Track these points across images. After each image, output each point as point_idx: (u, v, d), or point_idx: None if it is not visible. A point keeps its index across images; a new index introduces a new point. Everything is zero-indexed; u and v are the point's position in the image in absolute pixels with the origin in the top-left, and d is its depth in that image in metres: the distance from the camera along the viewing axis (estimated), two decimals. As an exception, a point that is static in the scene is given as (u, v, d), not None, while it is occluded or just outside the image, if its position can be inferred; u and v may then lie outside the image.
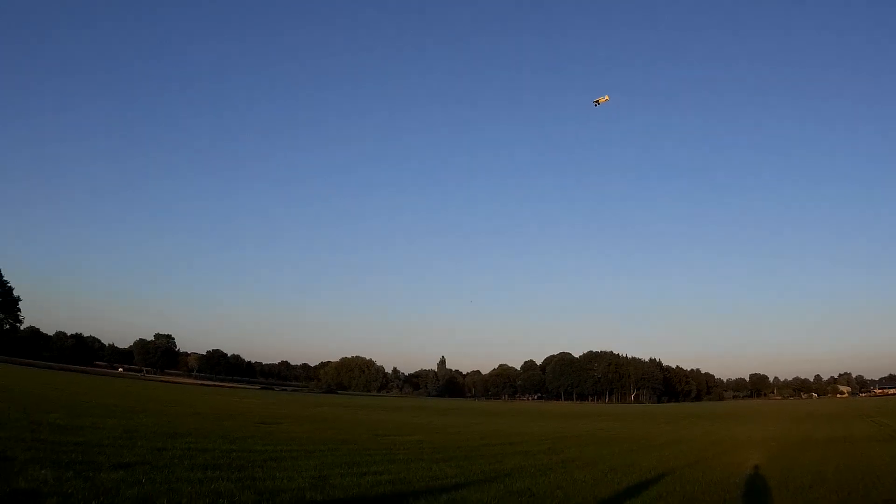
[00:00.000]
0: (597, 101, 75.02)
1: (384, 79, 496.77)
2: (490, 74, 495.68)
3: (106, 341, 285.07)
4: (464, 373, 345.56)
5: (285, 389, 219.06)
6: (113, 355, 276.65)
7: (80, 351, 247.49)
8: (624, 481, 20.76)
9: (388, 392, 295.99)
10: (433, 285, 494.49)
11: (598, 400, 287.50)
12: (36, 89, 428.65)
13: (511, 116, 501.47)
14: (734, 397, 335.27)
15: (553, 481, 20.09)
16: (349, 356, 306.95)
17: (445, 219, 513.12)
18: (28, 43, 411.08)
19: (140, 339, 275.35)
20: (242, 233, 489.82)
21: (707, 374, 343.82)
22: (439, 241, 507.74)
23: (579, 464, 25.92)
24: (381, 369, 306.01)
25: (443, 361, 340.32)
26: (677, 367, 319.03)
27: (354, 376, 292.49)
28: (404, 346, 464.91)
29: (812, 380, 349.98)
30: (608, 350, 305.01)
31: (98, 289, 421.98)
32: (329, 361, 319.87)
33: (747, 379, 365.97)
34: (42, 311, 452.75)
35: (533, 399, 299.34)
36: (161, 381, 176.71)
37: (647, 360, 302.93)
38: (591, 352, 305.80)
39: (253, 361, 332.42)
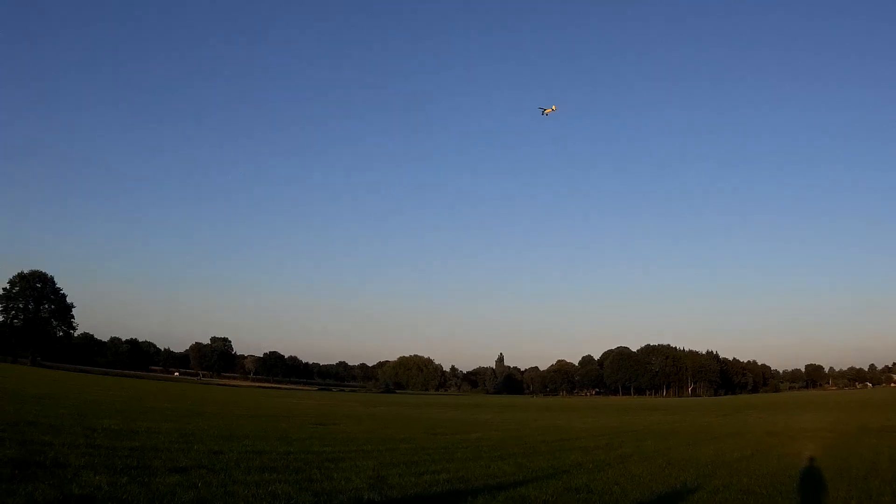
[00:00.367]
0: (543, 110, 75.49)
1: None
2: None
3: (161, 346, 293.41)
4: (522, 369, 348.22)
5: (343, 390, 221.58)
6: (168, 360, 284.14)
7: (135, 356, 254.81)
8: (681, 476, 20.97)
9: (446, 390, 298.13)
10: (490, 282, 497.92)
11: (655, 394, 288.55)
12: (86, 93, 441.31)
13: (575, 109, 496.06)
14: (790, 388, 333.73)
15: (611, 477, 20.27)
16: (407, 355, 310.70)
17: (503, 216, 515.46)
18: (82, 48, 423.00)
19: (196, 342, 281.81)
20: (299, 234, 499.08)
21: (763, 365, 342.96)
22: (495, 238, 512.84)
23: (637, 459, 26.14)
24: (439, 367, 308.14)
25: (501, 358, 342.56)
26: (734, 359, 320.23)
27: (412, 375, 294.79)
28: (462, 344, 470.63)
29: (867, 369, 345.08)
30: (665, 343, 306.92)
31: (153, 294, 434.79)
32: (387, 361, 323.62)
33: (803, 370, 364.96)
34: (97, 318, 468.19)
35: (591, 394, 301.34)
36: (217, 384, 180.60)
37: (703, 352, 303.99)
38: (648, 345, 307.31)
39: (310, 363, 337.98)
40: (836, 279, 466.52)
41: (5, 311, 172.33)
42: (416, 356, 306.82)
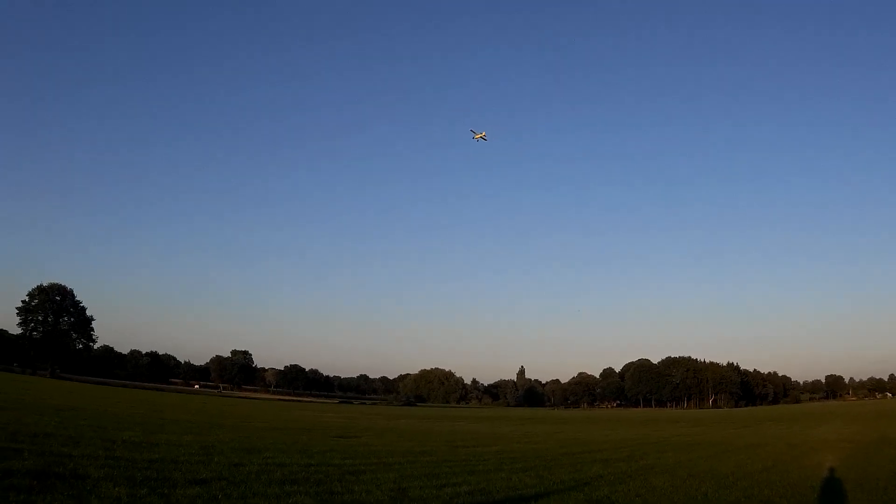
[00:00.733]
0: (475, 134, 76.42)
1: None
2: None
3: (181, 359, 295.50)
4: (543, 382, 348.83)
5: (364, 403, 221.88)
6: (189, 372, 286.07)
7: (155, 369, 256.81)
8: (702, 487, 21.22)
9: (467, 403, 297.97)
10: (511, 295, 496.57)
11: (676, 405, 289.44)
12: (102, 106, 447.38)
13: (595, 118, 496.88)
14: (810, 399, 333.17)
15: (632, 489, 20.57)
16: (428, 368, 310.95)
17: (525, 231, 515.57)
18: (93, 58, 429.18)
19: (216, 355, 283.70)
20: (321, 248, 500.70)
21: (784, 376, 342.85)
22: (518, 252, 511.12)
23: (658, 471, 26.43)
24: (460, 380, 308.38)
25: (522, 371, 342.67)
26: (755, 370, 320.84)
27: (434, 388, 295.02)
28: (483, 357, 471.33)
29: (886, 379, 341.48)
30: (686, 355, 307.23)
31: (173, 307, 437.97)
32: (408, 374, 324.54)
33: (823, 380, 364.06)
34: (117, 331, 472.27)
35: (612, 406, 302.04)
36: (238, 396, 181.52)
37: (724, 364, 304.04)
38: (669, 357, 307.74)
39: (331, 376, 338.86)
40: (855, 290, 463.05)
41: (24, 323, 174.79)
42: (437, 369, 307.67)
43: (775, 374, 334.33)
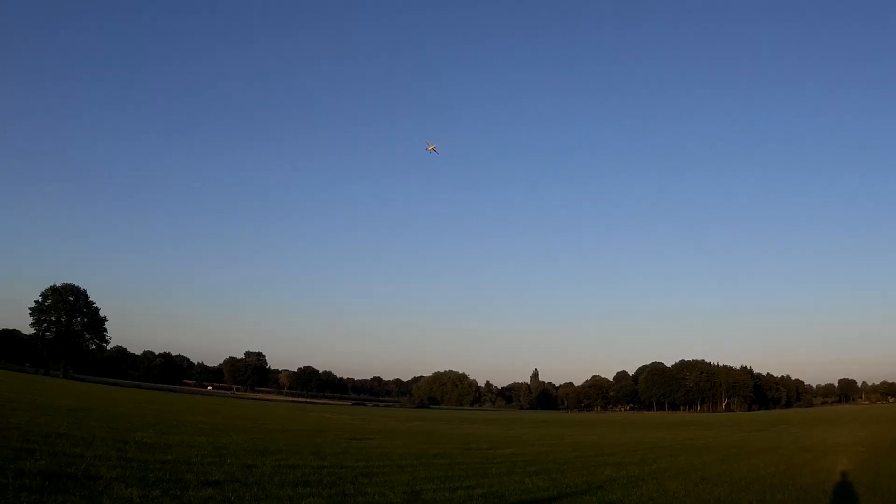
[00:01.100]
0: (429, 145, 78.03)
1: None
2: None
3: (195, 360, 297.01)
4: (557, 385, 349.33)
5: (377, 405, 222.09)
6: (202, 374, 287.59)
7: (168, 370, 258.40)
8: (715, 491, 21.32)
9: (481, 406, 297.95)
10: (525, 298, 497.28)
11: (689, 409, 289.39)
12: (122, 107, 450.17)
13: (602, 113, 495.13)
14: (823, 403, 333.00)
15: (645, 493, 20.66)
16: (442, 370, 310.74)
17: (538, 232, 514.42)
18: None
19: (230, 357, 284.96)
20: (335, 250, 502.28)
21: (797, 380, 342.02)
22: (531, 254, 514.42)
23: (671, 474, 26.53)
24: (473, 383, 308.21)
25: (536, 374, 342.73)
26: (768, 374, 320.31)
27: (447, 390, 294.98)
28: (497, 360, 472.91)
29: None
30: (699, 359, 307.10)
31: (187, 308, 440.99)
32: (421, 376, 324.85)
33: (836, 384, 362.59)
34: (130, 332, 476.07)
35: (625, 409, 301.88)
36: (251, 398, 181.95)
37: (738, 367, 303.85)
38: (682, 361, 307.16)
39: (345, 378, 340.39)
40: (869, 293, 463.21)
41: (37, 323, 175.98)
42: (450, 371, 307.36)
43: (788, 377, 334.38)
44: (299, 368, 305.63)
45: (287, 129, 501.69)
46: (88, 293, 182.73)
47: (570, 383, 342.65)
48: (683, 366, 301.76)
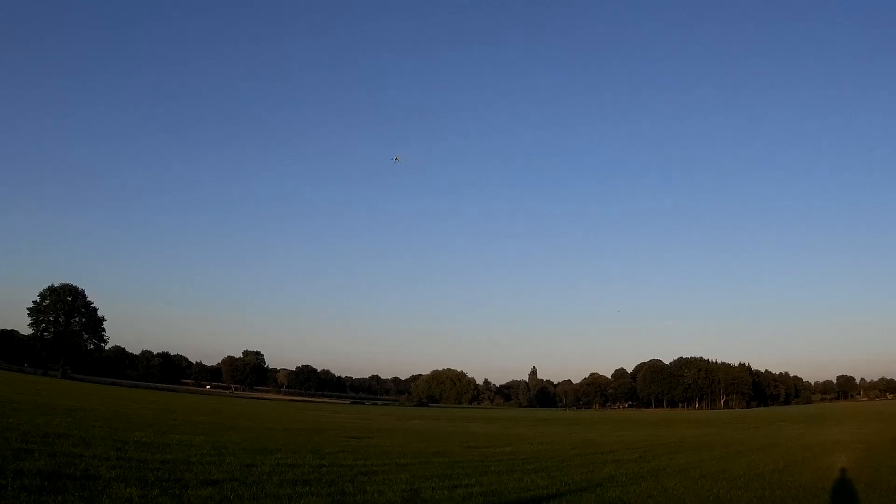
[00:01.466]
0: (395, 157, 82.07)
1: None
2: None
3: (193, 359, 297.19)
4: (555, 382, 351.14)
5: (376, 403, 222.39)
6: (200, 373, 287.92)
7: (166, 369, 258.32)
8: (714, 488, 21.23)
9: (479, 404, 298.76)
10: (523, 296, 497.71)
11: (688, 406, 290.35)
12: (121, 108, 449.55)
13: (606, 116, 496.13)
14: (822, 400, 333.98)
15: (644, 490, 20.57)
16: (440, 369, 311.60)
17: (535, 230, 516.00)
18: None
19: (228, 356, 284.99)
20: (332, 249, 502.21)
21: (795, 377, 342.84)
22: (529, 252, 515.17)
23: (670, 472, 26.39)
24: (472, 381, 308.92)
25: (534, 372, 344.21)
26: (766, 370, 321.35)
27: (446, 389, 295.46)
28: (495, 358, 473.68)
29: None
30: (698, 356, 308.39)
31: (185, 308, 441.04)
32: (420, 374, 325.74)
33: (834, 381, 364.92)
34: (129, 332, 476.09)
35: (624, 407, 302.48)
36: (250, 397, 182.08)
37: (736, 364, 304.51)
38: (681, 358, 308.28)
39: (343, 376, 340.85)
40: (867, 290, 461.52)
41: (36, 324, 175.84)
42: (449, 370, 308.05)
43: (787, 374, 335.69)
44: (298, 367, 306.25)
45: (286, 129, 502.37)
46: (86, 293, 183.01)
47: (569, 381, 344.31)
48: (682, 363, 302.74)
